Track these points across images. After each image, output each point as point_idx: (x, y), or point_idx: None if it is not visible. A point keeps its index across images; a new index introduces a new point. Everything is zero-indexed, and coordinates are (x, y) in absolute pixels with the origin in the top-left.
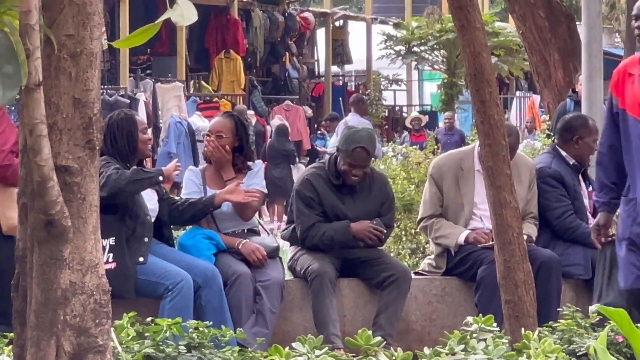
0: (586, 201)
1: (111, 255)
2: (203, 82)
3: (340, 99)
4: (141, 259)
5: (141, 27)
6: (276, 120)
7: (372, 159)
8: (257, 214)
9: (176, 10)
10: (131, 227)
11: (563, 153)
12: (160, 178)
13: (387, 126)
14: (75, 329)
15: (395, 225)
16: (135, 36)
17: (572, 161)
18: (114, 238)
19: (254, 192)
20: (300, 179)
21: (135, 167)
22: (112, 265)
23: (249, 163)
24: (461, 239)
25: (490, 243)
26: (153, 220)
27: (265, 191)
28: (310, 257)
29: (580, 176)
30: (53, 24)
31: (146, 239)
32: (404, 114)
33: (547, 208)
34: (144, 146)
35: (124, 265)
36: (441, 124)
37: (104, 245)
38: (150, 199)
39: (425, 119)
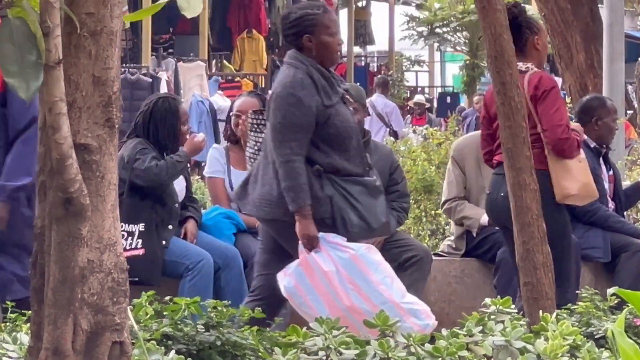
0: (606, 185)
1: (140, 241)
2: (225, 62)
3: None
4: (164, 242)
5: (146, 7)
6: None
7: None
8: None
9: None
10: (161, 215)
11: (584, 136)
12: (187, 161)
13: (408, 107)
14: (93, 307)
15: (415, 206)
16: (140, 13)
17: (592, 144)
18: (144, 224)
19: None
20: None
21: (170, 157)
22: (141, 252)
23: None
24: (484, 220)
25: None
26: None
27: None
28: None
29: (601, 159)
30: (73, 2)
31: (171, 227)
32: (426, 95)
33: None
34: (183, 138)
35: (152, 252)
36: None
37: (133, 230)
38: (178, 182)
39: (427, 104)
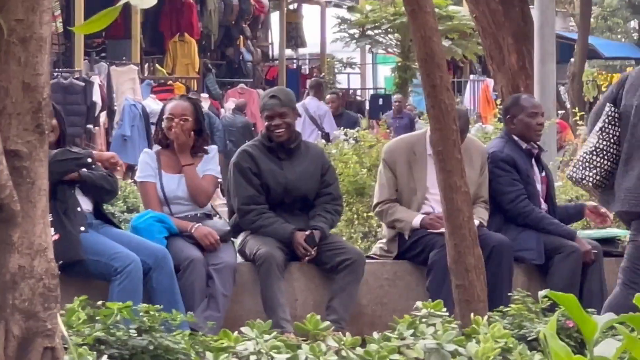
0: (539, 186)
1: (52, 229)
2: (157, 65)
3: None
4: (82, 228)
5: (100, 12)
6: (230, 104)
7: (292, 110)
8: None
9: None
10: (64, 201)
11: (515, 137)
12: (89, 160)
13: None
14: (24, 313)
15: (347, 209)
16: (94, 21)
17: (524, 145)
18: (50, 214)
19: (117, 163)
20: (236, 152)
21: (62, 148)
22: (56, 237)
23: (205, 147)
24: (416, 223)
25: (441, 230)
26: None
27: (220, 177)
28: (259, 242)
29: (533, 161)
30: (2, 9)
31: (79, 209)
32: (358, 97)
33: (499, 192)
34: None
35: (66, 232)
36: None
37: None
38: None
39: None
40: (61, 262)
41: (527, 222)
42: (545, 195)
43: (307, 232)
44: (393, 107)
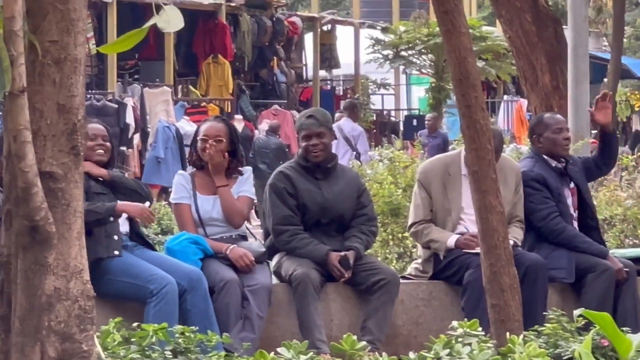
0: (569, 200)
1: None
2: (191, 87)
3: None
4: (117, 252)
5: (127, 33)
6: (264, 125)
7: (329, 131)
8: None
9: (162, 17)
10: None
11: (544, 156)
12: (111, 219)
13: (375, 130)
14: (60, 335)
15: (382, 229)
16: (122, 41)
17: (554, 163)
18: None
19: (150, 218)
20: (273, 174)
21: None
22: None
23: (240, 169)
24: (450, 243)
25: (476, 250)
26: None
27: (255, 198)
28: (294, 262)
29: (564, 178)
30: (37, 30)
31: (116, 237)
32: (392, 118)
33: (531, 210)
34: (88, 153)
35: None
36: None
37: None
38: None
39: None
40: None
41: (559, 240)
42: (577, 205)
43: (342, 254)
44: (426, 126)
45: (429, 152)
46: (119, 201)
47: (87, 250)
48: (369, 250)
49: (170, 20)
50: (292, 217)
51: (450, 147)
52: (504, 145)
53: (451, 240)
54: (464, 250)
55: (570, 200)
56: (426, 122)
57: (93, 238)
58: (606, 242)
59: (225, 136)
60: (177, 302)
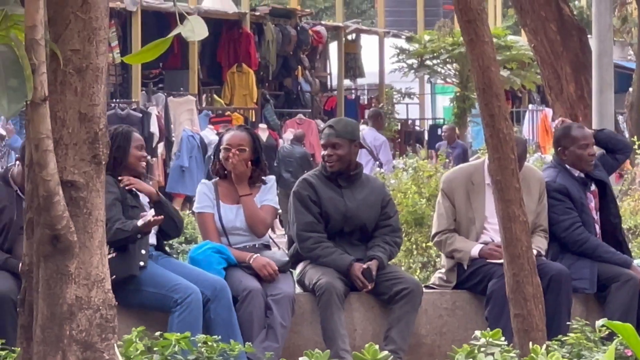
0: (592, 204)
1: (112, 248)
2: (215, 96)
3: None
4: (142, 264)
5: (152, 42)
6: (289, 134)
7: (350, 141)
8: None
9: (187, 26)
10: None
11: (567, 166)
12: (139, 236)
13: (399, 140)
14: (82, 344)
15: (406, 239)
16: (147, 51)
17: (576, 173)
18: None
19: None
20: (297, 182)
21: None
22: (114, 254)
23: (263, 178)
24: (474, 253)
25: (500, 260)
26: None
27: (278, 207)
28: (318, 272)
29: (586, 187)
30: (59, 39)
31: (143, 251)
32: (417, 128)
33: (554, 221)
34: (135, 162)
35: (125, 252)
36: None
37: None
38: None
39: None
40: (114, 276)
41: (583, 250)
42: (599, 207)
43: (365, 266)
44: (443, 137)
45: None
46: (137, 222)
47: (120, 266)
48: (392, 260)
49: (195, 30)
50: (316, 224)
51: (474, 157)
52: (528, 155)
53: (475, 249)
54: (487, 260)
55: (592, 204)
56: (443, 134)
57: (128, 254)
58: (631, 252)
59: (248, 145)
60: (201, 312)
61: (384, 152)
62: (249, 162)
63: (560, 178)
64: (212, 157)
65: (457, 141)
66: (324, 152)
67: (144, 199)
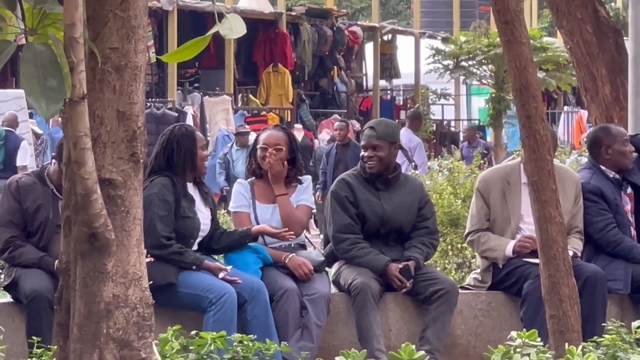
0: (628, 207)
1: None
2: (251, 96)
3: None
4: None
5: (189, 41)
6: (324, 134)
7: (390, 143)
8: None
9: (225, 24)
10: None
11: (602, 167)
12: (193, 268)
13: (434, 140)
14: (118, 342)
15: (441, 240)
16: (184, 50)
17: (612, 174)
18: None
19: (290, 233)
20: (335, 181)
21: (186, 254)
22: (151, 258)
23: (299, 177)
24: (508, 251)
25: (535, 260)
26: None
27: (314, 207)
28: (354, 272)
29: (621, 188)
30: (97, 37)
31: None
32: (452, 128)
33: (588, 222)
34: (201, 163)
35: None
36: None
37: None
38: (205, 217)
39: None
40: (151, 282)
41: (617, 251)
42: (634, 210)
43: (401, 265)
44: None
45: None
46: (206, 260)
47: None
48: (427, 261)
49: (233, 27)
50: (353, 225)
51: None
52: (565, 156)
53: (509, 247)
54: (523, 259)
55: (628, 207)
56: (463, 135)
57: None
58: None
59: (284, 145)
60: (235, 311)
61: (418, 154)
62: (285, 162)
63: (594, 180)
64: (248, 157)
65: (478, 140)
66: (363, 153)
67: (199, 206)
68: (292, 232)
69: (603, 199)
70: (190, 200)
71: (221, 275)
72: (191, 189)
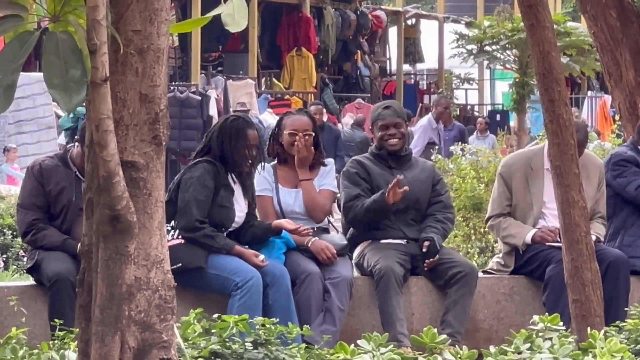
0: None
1: (176, 232)
2: (274, 80)
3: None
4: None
5: (191, 19)
6: (347, 119)
7: (405, 122)
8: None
9: (228, 8)
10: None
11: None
12: (224, 252)
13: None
14: (140, 325)
15: (464, 224)
16: (188, 23)
17: None
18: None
19: (308, 230)
20: (348, 162)
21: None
22: (182, 240)
23: (322, 160)
24: (528, 238)
25: (557, 244)
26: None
27: (337, 191)
28: (377, 255)
29: None
30: (120, 20)
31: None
32: (476, 113)
33: (622, 185)
34: (244, 160)
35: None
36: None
37: (168, 227)
38: (240, 210)
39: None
40: (180, 264)
41: None
42: None
43: (424, 249)
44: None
45: (445, 145)
46: (237, 245)
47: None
48: (450, 244)
49: (235, 17)
50: (363, 196)
51: (533, 142)
52: (589, 142)
53: (529, 236)
54: (546, 244)
55: None
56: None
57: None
58: None
59: (312, 130)
60: (261, 296)
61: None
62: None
63: (630, 153)
64: (268, 140)
65: (453, 123)
66: (384, 132)
67: (238, 197)
68: (310, 231)
69: (637, 167)
70: (229, 190)
71: (260, 258)
72: (233, 179)
